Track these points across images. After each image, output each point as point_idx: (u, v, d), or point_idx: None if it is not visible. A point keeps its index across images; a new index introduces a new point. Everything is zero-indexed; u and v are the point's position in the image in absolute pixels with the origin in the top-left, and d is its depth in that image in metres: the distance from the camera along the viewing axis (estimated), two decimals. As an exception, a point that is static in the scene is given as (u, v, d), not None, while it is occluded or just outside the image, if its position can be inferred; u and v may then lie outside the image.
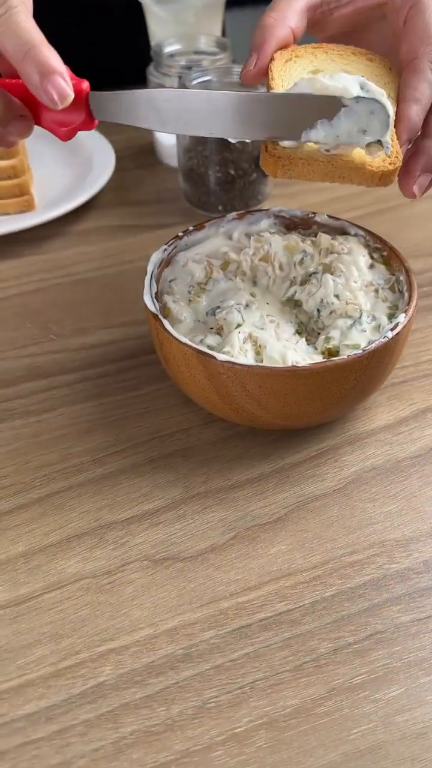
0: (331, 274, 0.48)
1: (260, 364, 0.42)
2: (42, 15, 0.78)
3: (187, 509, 0.43)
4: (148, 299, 0.46)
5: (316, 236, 0.51)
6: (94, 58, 0.80)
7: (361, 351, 0.42)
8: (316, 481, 0.45)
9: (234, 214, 0.52)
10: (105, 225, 0.66)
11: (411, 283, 0.46)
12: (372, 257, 0.50)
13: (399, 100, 0.43)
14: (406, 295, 0.46)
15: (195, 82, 0.63)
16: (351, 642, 0.37)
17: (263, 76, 0.45)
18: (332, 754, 0.34)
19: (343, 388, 0.43)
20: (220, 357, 0.42)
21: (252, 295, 0.49)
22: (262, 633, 0.38)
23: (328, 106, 0.39)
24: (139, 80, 0.72)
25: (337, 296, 0.47)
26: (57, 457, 0.46)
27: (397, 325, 0.43)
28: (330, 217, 0.52)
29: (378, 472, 0.45)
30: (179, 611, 0.39)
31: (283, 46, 0.45)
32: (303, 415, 0.44)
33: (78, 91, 0.40)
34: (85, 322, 0.56)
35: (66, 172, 0.70)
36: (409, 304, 0.45)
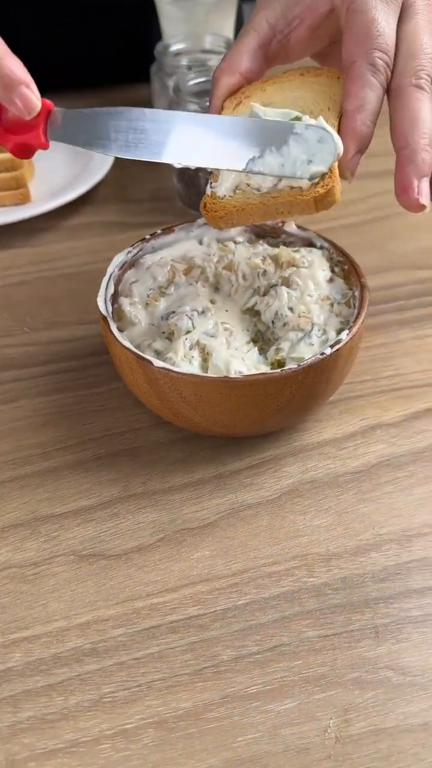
0: (288, 287, 0.49)
1: (194, 372, 0.43)
2: (51, 12, 0.80)
3: (121, 508, 0.45)
4: (100, 301, 0.47)
5: (284, 245, 0.52)
6: (105, 56, 0.82)
7: (296, 366, 0.42)
8: (252, 490, 0.46)
9: (203, 219, 0.53)
10: (98, 221, 0.67)
11: (362, 300, 0.46)
12: (333, 271, 0.50)
13: (342, 111, 0.42)
14: (355, 312, 0.46)
15: (191, 83, 0.64)
16: (254, 651, 0.38)
17: None
18: (213, 759, 0.35)
19: (278, 401, 0.43)
20: (157, 363, 0.43)
21: (212, 301, 0.50)
22: (170, 635, 0.39)
23: (280, 132, 0.39)
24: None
25: (291, 309, 0.48)
26: (8, 447, 0.48)
27: (338, 342, 0.44)
28: (298, 227, 0.52)
29: (315, 485, 0.46)
30: (94, 607, 0.40)
31: (233, 92, 0.46)
32: (239, 424, 0.45)
33: (42, 107, 0.41)
34: (60, 317, 0.58)
35: (68, 166, 0.72)
36: (355, 321, 0.45)
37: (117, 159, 0.72)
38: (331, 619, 0.39)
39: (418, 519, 0.44)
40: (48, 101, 0.42)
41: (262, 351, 0.48)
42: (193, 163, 0.41)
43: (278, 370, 0.42)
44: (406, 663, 0.38)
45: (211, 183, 0.43)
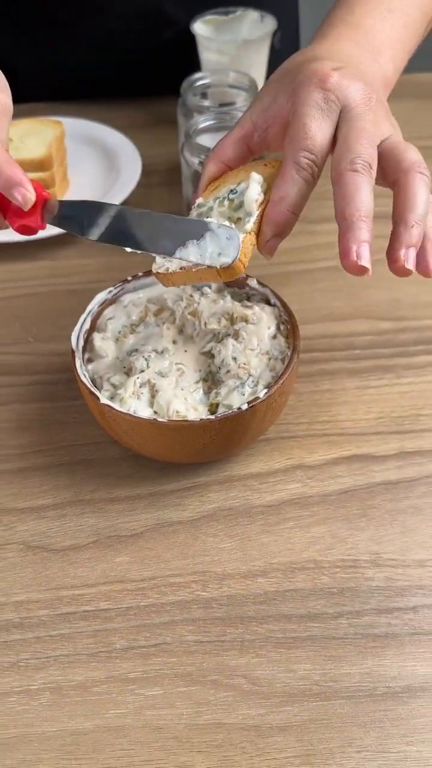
0: (236, 339, 0.56)
1: (128, 411, 0.51)
2: (97, 37, 0.87)
3: (69, 511, 0.55)
4: (74, 335, 0.56)
5: (248, 298, 0.59)
6: (148, 80, 0.89)
7: (213, 417, 0.50)
8: (178, 510, 0.55)
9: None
10: (114, 240, 0.76)
11: (289, 362, 0.53)
12: (278, 328, 0.57)
13: (269, 201, 0.49)
14: (281, 372, 0.53)
15: (201, 125, 0.71)
16: (141, 645, 0.48)
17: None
18: (88, 723, 0.45)
19: (198, 443, 0.51)
20: (103, 400, 0.52)
21: (174, 341, 0.58)
22: (80, 621, 0.49)
23: (199, 229, 0.48)
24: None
25: (234, 359, 0.55)
26: (-8, 446, 0.59)
27: (255, 399, 0.51)
28: (259, 283, 0.59)
29: (230, 513, 0.54)
30: (29, 590, 0.51)
31: (217, 177, 0.55)
32: (170, 455, 0.54)
33: (38, 198, 0.51)
34: (61, 331, 0.67)
35: (98, 183, 0.80)
36: (276, 381, 0.52)
37: (146, 176, 0.81)
38: (210, 628, 0.48)
39: (305, 554, 0.51)
40: (45, 193, 0.52)
41: (209, 391, 0.56)
42: (144, 250, 0.50)
43: (197, 419, 0.51)
44: (258, 675, 0.46)
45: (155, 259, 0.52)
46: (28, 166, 0.76)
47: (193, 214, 0.54)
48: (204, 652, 0.48)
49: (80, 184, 0.81)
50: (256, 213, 0.49)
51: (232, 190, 0.51)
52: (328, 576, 0.50)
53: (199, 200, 0.55)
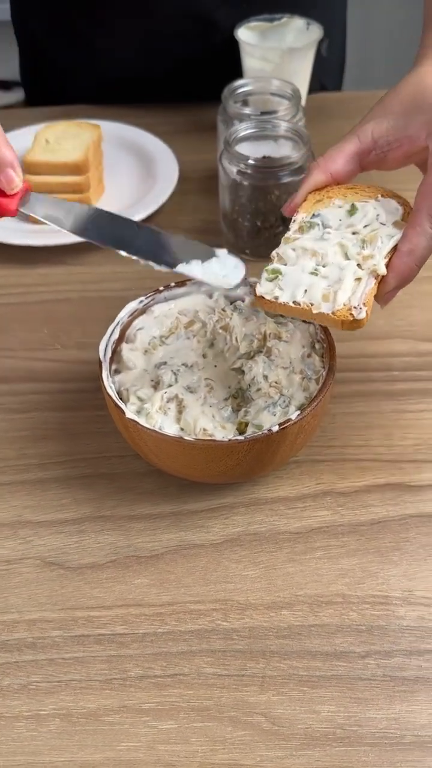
0: (268, 356, 0.54)
1: (153, 427, 0.49)
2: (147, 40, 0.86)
3: (88, 527, 0.53)
4: (102, 345, 0.54)
5: (282, 315, 0.57)
6: (191, 86, 0.87)
7: (241, 438, 0.48)
8: (201, 532, 0.52)
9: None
10: (147, 247, 0.74)
11: (324, 383, 0.51)
12: (313, 347, 0.54)
13: (397, 250, 0.49)
14: (316, 393, 0.51)
15: (240, 134, 0.69)
16: (157, 674, 0.46)
17: (294, 212, 0.54)
18: (98, 755, 0.43)
19: (225, 464, 0.49)
20: (128, 414, 0.50)
21: (204, 355, 0.56)
22: (95, 645, 0.47)
23: (205, 253, 0.50)
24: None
25: (265, 377, 0.53)
26: (12, 453, 0.57)
27: (287, 420, 0.49)
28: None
29: (256, 538, 0.52)
30: (44, 608, 0.49)
31: (319, 188, 0.54)
32: (195, 474, 0.51)
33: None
34: (89, 338, 0.65)
35: (134, 189, 0.79)
36: (310, 403, 0.50)
37: (182, 183, 0.79)
38: (229, 661, 0.46)
39: (333, 588, 0.49)
40: (29, 184, 0.52)
41: (238, 408, 0.54)
42: (136, 256, 0.50)
43: (225, 439, 0.48)
44: (279, 714, 0.44)
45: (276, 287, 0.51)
46: (63, 168, 0.74)
47: (294, 228, 0.53)
48: (222, 686, 0.45)
49: (115, 189, 0.79)
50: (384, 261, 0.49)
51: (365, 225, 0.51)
52: (356, 612, 0.48)
53: (303, 216, 0.53)
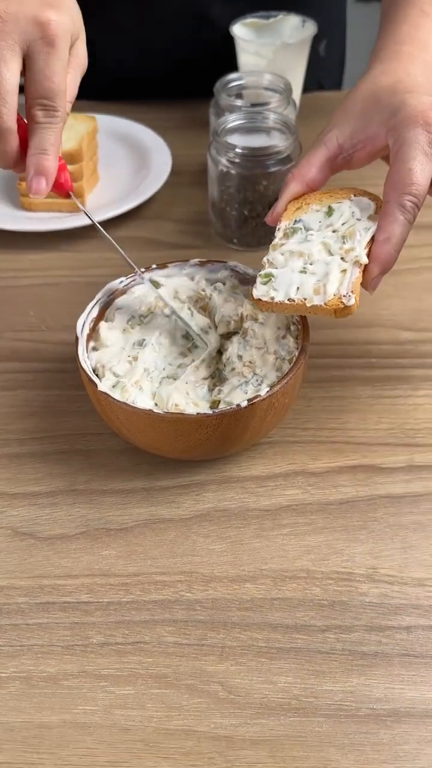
0: (244, 337, 0.55)
1: (125, 401, 0.50)
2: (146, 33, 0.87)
3: (61, 500, 0.53)
4: (80, 322, 0.55)
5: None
6: (187, 82, 0.89)
7: (209, 412, 0.49)
8: (171, 507, 0.53)
9: (196, 260, 0.60)
10: (138, 236, 0.75)
11: (296, 362, 0.51)
12: (288, 329, 0.55)
13: (374, 240, 0.51)
14: (287, 372, 0.51)
15: (229, 125, 0.70)
16: (119, 642, 0.46)
17: (277, 221, 0.57)
18: (55, 717, 0.43)
19: (193, 438, 0.50)
20: (101, 387, 0.50)
21: (183, 335, 0.57)
22: (59, 612, 0.48)
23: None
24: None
25: (240, 357, 0.54)
26: (-7, 429, 0.58)
27: (256, 396, 0.49)
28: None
29: (224, 514, 0.52)
30: (12, 576, 0.49)
31: (297, 197, 0.56)
32: (166, 450, 0.52)
33: (68, 188, 0.56)
34: (74, 321, 0.66)
35: (127, 180, 0.80)
36: (280, 380, 0.50)
37: (176, 175, 0.80)
38: (190, 631, 0.46)
39: (298, 563, 0.49)
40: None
41: (214, 387, 0.54)
42: None
43: (194, 413, 0.49)
44: (236, 683, 0.44)
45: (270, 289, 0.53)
46: (57, 157, 0.76)
47: (280, 236, 0.55)
48: (182, 654, 0.45)
49: (110, 179, 0.80)
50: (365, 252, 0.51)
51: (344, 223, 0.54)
52: (320, 587, 0.48)
53: (286, 223, 0.55)
